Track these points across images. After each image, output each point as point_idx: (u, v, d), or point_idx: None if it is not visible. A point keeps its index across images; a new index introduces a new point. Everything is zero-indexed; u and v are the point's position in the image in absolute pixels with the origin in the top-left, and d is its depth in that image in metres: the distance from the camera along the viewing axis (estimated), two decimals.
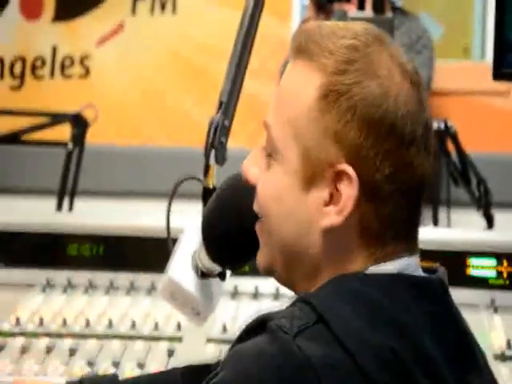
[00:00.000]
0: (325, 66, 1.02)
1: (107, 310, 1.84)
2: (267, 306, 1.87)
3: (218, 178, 1.44)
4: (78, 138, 2.54)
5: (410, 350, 0.98)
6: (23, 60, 3.97)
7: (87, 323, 1.76)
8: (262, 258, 1.11)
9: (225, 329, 1.76)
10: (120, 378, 1.35)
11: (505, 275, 1.86)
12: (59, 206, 2.62)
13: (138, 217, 2.08)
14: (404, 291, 1.02)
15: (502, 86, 3.80)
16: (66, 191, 2.61)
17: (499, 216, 2.77)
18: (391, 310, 1.00)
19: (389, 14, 2.07)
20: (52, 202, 2.61)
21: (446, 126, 2.56)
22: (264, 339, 0.98)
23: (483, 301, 1.86)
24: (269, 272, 1.11)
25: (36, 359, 1.64)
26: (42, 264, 1.96)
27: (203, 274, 1.39)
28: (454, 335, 1.04)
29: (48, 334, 1.73)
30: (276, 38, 3.85)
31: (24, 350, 1.67)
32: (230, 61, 1.46)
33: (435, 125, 2.58)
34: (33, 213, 2.17)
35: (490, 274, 1.88)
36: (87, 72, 3.97)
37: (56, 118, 2.58)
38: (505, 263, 1.87)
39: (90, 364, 1.63)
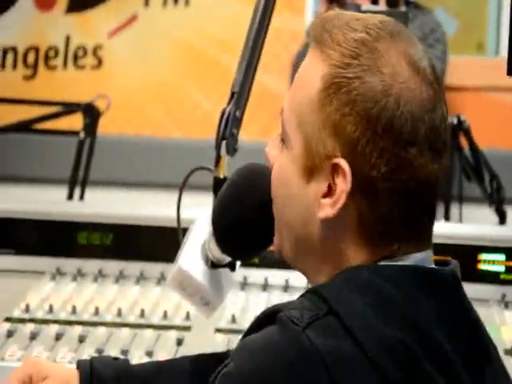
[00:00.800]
0: (330, 57, 1.02)
1: (117, 299, 1.85)
2: (276, 297, 1.88)
3: (230, 170, 1.44)
4: (90, 127, 2.54)
5: (422, 342, 0.98)
6: (36, 50, 3.98)
7: (96, 311, 1.77)
8: (275, 241, 1.12)
9: (234, 319, 1.76)
10: None
11: None
12: (70, 196, 2.63)
13: (149, 207, 2.09)
14: (415, 283, 1.01)
15: None
16: (78, 180, 2.61)
17: (511, 212, 2.76)
18: (402, 301, 0.99)
19: (403, 8, 2.06)
20: (63, 191, 2.62)
21: (459, 120, 2.55)
22: (274, 330, 0.98)
23: (494, 296, 1.86)
24: (281, 255, 1.12)
25: (45, 346, 1.65)
26: (52, 252, 1.97)
27: (213, 265, 1.39)
28: (466, 327, 1.04)
29: (57, 322, 1.74)
30: (289, 32, 3.84)
31: (33, 337, 1.68)
32: (243, 52, 1.46)
33: (448, 120, 2.57)
34: (44, 201, 2.18)
35: (501, 269, 1.88)
36: (100, 63, 3.97)
37: (68, 108, 2.58)
38: None
39: (99, 351, 1.63)
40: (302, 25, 3.79)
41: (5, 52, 3.98)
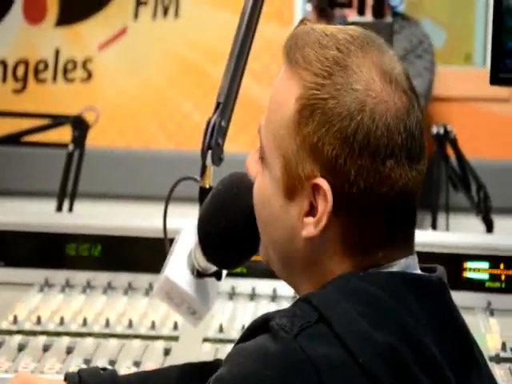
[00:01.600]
0: (303, 78, 1.03)
1: (105, 310, 1.85)
2: (264, 307, 1.88)
3: (217, 180, 1.45)
4: (79, 140, 2.55)
5: (411, 347, 0.99)
6: (26, 63, 3.99)
7: (84, 322, 1.77)
8: (260, 252, 1.14)
9: (221, 329, 1.76)
10: None
11: (502, 278, 1.87)
12: (59, 208, 2.64)
13: (136, 218, 2.09)
14: (404, 288, 1.02)
15: (503, 92, 3.81)
16: (67, 193, 2.62)
17: (498, 221, 2.77)
18: (392, 307, 1.01)
19: (389, 19, 2.08)
20: (52, 203, 2.62)
21: (445, 130, 2.57)
22: (266, 339, 0.99)
23: (479, 304, 1.87)
24: (268, 265, 1.13)
25: (33, 357, 1.65)
26: (40, 264, 1.97)
27: (199, 274, 1.40)
28: (453, 332, 1.05)
29: (45, 333, 1.74)
30: (278, 43, 3.85)
31: (21, 348, 1.68)
32: (228, 62, 1.47)
33: (434, 130, 2.59)
34: (32, 213, 2.18)
35: (486, 276, 1.89)
36: (89, 76, 3.98)
37: (57, 120, 2.59)
38: (501, 266, 1.88)
39: (87, 362, 1.64)
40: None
41: None
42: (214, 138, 1.43)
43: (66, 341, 1.72)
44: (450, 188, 2.69)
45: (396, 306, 1.01)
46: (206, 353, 1.70)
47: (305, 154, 1.02)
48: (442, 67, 3.69)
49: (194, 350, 1.70)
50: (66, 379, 1.32)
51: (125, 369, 1.61)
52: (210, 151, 1.43)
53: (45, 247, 1.97)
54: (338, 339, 0.97)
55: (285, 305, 1.87)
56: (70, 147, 2.56)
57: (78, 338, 1.73)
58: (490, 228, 2.75)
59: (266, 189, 1.07)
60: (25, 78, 3.97)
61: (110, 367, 1.62)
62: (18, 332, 1.74)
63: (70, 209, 2.62)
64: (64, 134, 2.65)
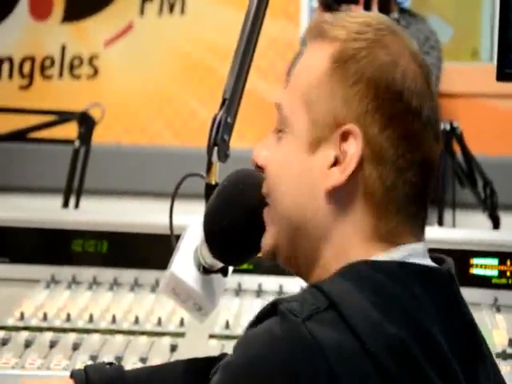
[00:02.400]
0: (337, 36, 1.06)
1: (111, 306, 1.85)
2: None
3: (223, 177, 1.45)
4: (85, 136, 2.56)
5: (419, 338, 0.99)
6: (32, 60, 3.99)
7: (91, 318, 1.77)
8: (266, 241, 1.13)
9: (227, 325, 1.76)
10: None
11: (508, 274, 1.87)
12: (65, 204, 2.64)
13: (142, 214, 2.10)
14: (413, 280, 1.02)
15: (510, 88, 3.80)
16: (73, 189, 2.62)
17: (504, 218, 2.77)
18: (402, 297, 1.01)
19: (395, 15, 2.08)
20: (58, 199, 2.63)
21: (451, 126, 2.56)
22: (274, 322, 0.98)
23: (486, 300, 1.87)
24: (272, 256, 1.12)
25: (39, 353, 1.65)
26: (47, 260, 1.97)
27: (205, 270, 1.40)
28: (461, 325, 1.05)
29: (52, 329, 1.74)
30: (284, 40, 3.85)
31: (28, 344, 1.68)
32: (234, 58, 1.47)
33: (442, 126, 2.59)
34: (38, 209, 2.19)
35: (493, 273, 1.89)
36: (95, 72, 3.98)
37: (63, 117, 2.59)
38: (508, 263, 1.87)
39: (93, 358, 1.64)
40: (296, 33, 3.81)
41: (1, 62, 3.99)
42: (220, 135, 1.43)
43: (72, 337, 1.72)
44: (456, 184, 2.69)
45: (406, 297, 1.01)
46: (213, 349, 1.70)
47: (336, 102, 1.04)
48: (449, 63, 3.68)
49: (200, 346, 1.70)
50: (72, 376, 1.33)
51: (131, 365, 1.61)
52: (215, 147, 1.43)
53: (51, 243, 1.98)
54: (348, 326, 0.97)
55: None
56: (76, 143, 2.56)
57: (84, 335, 1.73)
58: (496, 224, 2.74)
59: (285, 151, 1.08)
60: (31, 75, 3.98)
61: (115, 363, 1.63)
62: (25, 328, 1.74)
63: (77, 205, 2.62)
64: (70, 130, 2.65)
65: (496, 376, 1.10)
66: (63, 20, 3.98)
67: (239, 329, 1.77)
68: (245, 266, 1.89)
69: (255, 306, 1.87)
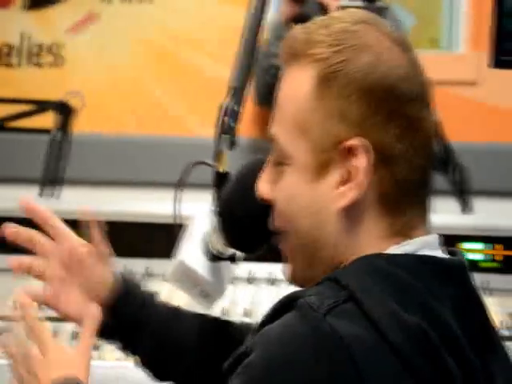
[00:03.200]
0: (317, 55, 1.05)
1: None
2: (263, 290, 1.89)
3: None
4: (63, 125, 2.53)
5: (438, 330, 0.99)
6: None
7: None
8: (287, 273, 1.13)
9: (225, 313, 1.77)
10: None
11: (497, 258, 1.91)
12: (41, 194, 2.61)
13: (125, 203, 2.08)
14: (429, 273, 1.03)
15: (471, 75, 3.86)
16: (50, 180, 2.59)
17: (477, 203, 2.82)
18: (419, 289, 1.01)
19: (381, 3, 2.10)
20: (36, 190, 2.60)
21: None
22: (294, 318, 0.98)
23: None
24: (295, 283, 1.12)
25: None
26: (27, 251, 1.94)
27: (214, 258, 1.40)
28: (477, 319, 1.06)
29: (50, 319, 1.73)
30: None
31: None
32: (240, 46, 1.47)
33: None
34: (14, 199, 2.15)
35: (480, 257, 1.92)
36: (61, 61, 3.93)
37: (40, 106, 2.56)
38: (496, 246, 1.91)
39: (94, 348, 1.63)
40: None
41: None
42: (227, 123, 1.43)
43: (71, 326, 1.71)
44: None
45: (423, 290, 1.01)
46: None
47: (334, 121, 1.03)
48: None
49: None
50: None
51: None
52: (223, 135, 1.43)
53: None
54: (368, 319, 0.97)
55: (284, 287, 1.88)
56: (54, 133, 2.53)
57: None
58: (468, 210, 2.79)
59: (290, 183, 1.07)
60: None
61: (118, 352, 1.62)
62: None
63: (55, 194, 2.59)
64: (46, 119, 2.62)
65: (510, 367, 1.12)
66: (26, 8, 3.92)
67: (236, 316, 1.77)
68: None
69: (248, 293, 1.88)
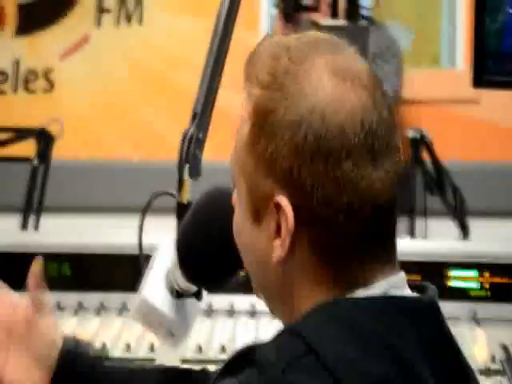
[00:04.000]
0: (255, 94, 0.98)
1: (76, 332, 1.77)
2: (243, 323, 1.82)
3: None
4: (43, 153, 2.47)
5: (406, 378, 0.93)
6: None
7: None
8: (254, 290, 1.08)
9: (199, 349, 1.70)
10: None
11: (486, 286, 1.82)
12: (24, 225, 2.55)
13: (107, 234, 2.02)
14: (396, 316, 0.96)
15: (472, 94, 3.80)
16: (32, 208, 2.53)
17: (475, 225, 2.74)
18: (384, 336, 0.94)
19: (363, 23, 2.03)
20: (17, 220, 2.53)
21: (421, 135, 2.53)
22: (253, 375, 0.92)
23: (464, 313, 1.82)
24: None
25: None
26: (7, 285, 1.89)
27: (178, 294, 1.34)
28: (448, 356, 0.99)
29: None
30: (243, 48, 3.80)
31: None
32: (203, 71, 1.41)
33: (411, 134, 2.55)
34: None
35: (471, 285, 1.84)
36: (51, 86, 3.89)
37: (20, 134, 2.51)
38: (486, 274, 1.83)
39: None
40: (255, 40, 3.75)
41: None
42: (192, 151, 1.36)
43: None
44: (427, 193, 2.65)
45: (388, 334, 0.94)
46: None
47: (262, 172, 0.96)
48: (411, 70, 3.66)
49: None
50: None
51: None
52: (187, 165, 1.36)
53: (10, 268, 1.88)
54: (328, 373, 0.90)
55: (264, 321, 1.81)
56: (35, 161, 2.48)
57: None
58: (465, 232, 2.71)
59: (237, 218, 1.02)
60: None
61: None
62: None
63: (36, 225, 2.53)
64: (28, 147, 2.56)
65: None
66: (16, 33, 3.89)
67: (212, 352, 1.70)
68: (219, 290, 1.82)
69: (228, 327, 1.81)
